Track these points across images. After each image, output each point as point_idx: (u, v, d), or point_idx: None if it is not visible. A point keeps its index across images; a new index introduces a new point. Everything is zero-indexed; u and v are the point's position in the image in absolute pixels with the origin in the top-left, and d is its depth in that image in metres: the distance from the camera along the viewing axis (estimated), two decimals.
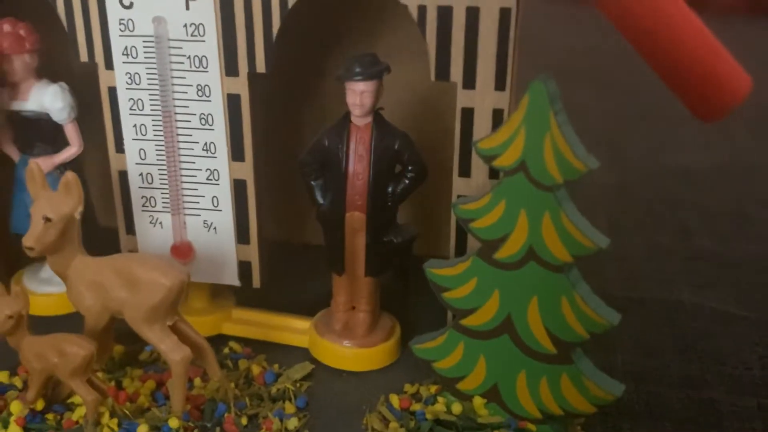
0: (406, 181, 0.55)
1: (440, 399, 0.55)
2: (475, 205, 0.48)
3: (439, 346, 0.53)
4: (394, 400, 0.56)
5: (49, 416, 0.53)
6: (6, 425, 0.53)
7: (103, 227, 0.66)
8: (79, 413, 0.53)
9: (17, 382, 0.57)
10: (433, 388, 0.56)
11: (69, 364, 0.50)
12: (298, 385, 0.57)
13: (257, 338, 0.61)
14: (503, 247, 0.48)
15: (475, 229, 0.49)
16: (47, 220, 0.50)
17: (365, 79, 0.53)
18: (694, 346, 0.64)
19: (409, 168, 0.55)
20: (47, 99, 0.59)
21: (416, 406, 0.55)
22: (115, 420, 0.52)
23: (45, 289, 0.65)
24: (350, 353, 0.59)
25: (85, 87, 0.59)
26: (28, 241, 0.50)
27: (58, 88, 0.59)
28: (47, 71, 0.60)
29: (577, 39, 0.43)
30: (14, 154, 0.63)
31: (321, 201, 0.57)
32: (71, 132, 0.61)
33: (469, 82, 0.51)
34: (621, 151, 0.99)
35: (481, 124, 0.51)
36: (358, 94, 0.53)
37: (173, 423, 0.51)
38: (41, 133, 0.61)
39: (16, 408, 0.53)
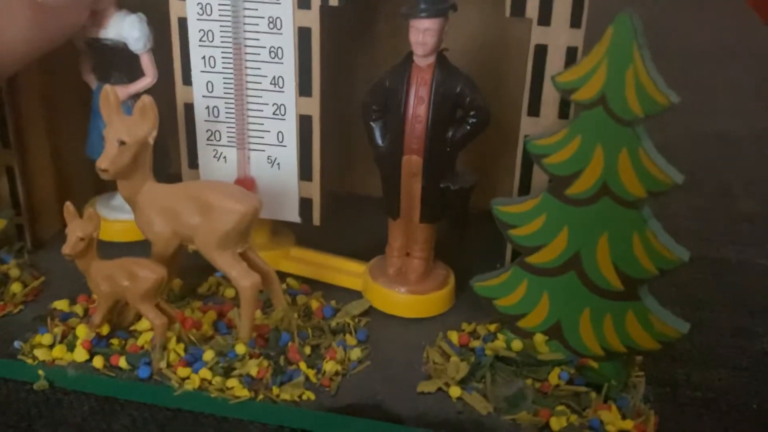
0: (468, 127, 0.55)
1: (500, 336, 0.55)
2: (550, 140, 0.49)
3: (501, 283, 0.54)
4: (453, 336, 0.57)
5: (114, 341, 0.54)
6: (72, 349, 0.53)
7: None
8: (144, 338, 0.54)
9: (78, 309, 0.58)
10: (493, 326, 0.57)
11: (140, 287, 0.51)
12: (356, 320, 0.58)
13: (314, 277, 0.62)
14: (576, 183, 0.48)
15: (548, 164, 0.49)
16: (122, 143, 0.50)
17: (430, 16, 0.52)
18: (743, 301, 0.65)
19: (471, 113, 0.55)
20: (125, 28, 0.60)
21: (475, 343, 0.56)
22: (182, 345, 0.53)
23: (116, 216, 0.66)
24: (402, 299, 0.59)
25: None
26: (102, 163, 0.50)
27: (136, 18, 0.60)
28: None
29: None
30: (92, 82, 0.64)
31: (380, 143, 0.57)
32: (146, 62, 0.61)
33: (545, 18, 0.51)
34: (657, 116, 0.98)
35: (554, 61, 0.52)
36: (422, 32, 0.52)
37: (240, 349, 0.52)
38: (118, 62, 0.62)
39: (81, 332, 0.54)
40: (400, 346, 0.56)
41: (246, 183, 0.59)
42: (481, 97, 0.54)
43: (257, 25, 0.55)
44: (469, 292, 0.56)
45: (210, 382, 0.51)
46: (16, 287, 0.60)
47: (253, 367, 0.51)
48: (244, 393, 0.50)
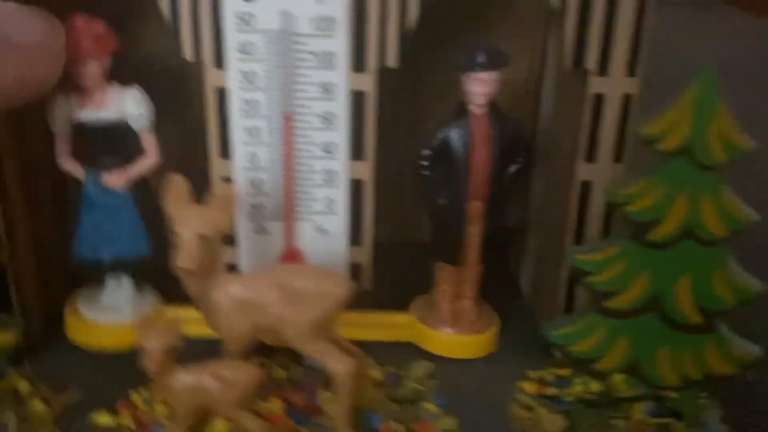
0: (520, 167, 0.57)
1: (576, 380, 0.57)
2: (633, 189, 0.51)
3: (577, 329, 0.55)
4: (527, 386, 0.57)
5: None
6: None
7: None
8: None
9: (126, 421, 0.52)
10: (562, 371, 0.58)
11: (236, 393, 0.46)
12: (423, 385, 0.57)
13: (361, 338, 0.60)
14: (658, 228, 0.51)
15: (631, 212, 0.51)
16: (202, 237, 0.45)
17: (491, 69, 0.53)
18: None
19: (522, 155, 0.57)
20: (128, 104, 0.55)
21: (551, 390, 0.56)
22: None
23: (106, 318, 0.59)
24: (466, 341, 0.60)
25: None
26: (185, 262, 0.45)
27: (138, 93, 0.55)
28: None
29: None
30: (78, 171, 0.57)
31: (438, 194, 0.57)
32: (148, 141, 0.56)
33: (603, 69, 0.53)
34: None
35: (612, 109, 0.54)
36: (484, 84, 0.54)
37: None
38: (110, 143, 0.55)
39: None
40: (478, 404, 0.55)
41: (293, 255, 0.57)
42: (529, 139, 0.59)
43: (308, 92, 0.52)
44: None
45: None
46: (38, 406, 0.53)
47: None
48: None
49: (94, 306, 0.60)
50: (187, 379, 0.47)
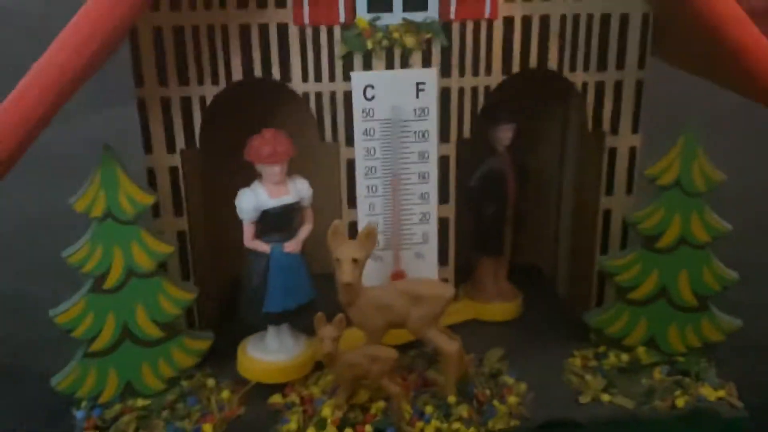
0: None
1: (610, 354, 0.76)
2: (643, 213, 0.71)
3: (609, 316, 0.74)
4: (575, 361, 0.76)
5: (351, 415, 0.68)
6: (324, 426, 0.67)
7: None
8: (376, 407, 0.68)
9: (294, 399, 0.69)
10: (601, 348, 0.77)
11: (383, 367, 0.66)
12: (499, 364, 0.76)
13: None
14: (662, 239, 0.71)
15: (642, 228, 0.71)
16: (355, 261, 0.66)
17: (513, 121, 0.78)
18: None
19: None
20: (303, 189, 0.68)
21: (593, 362, 0.76)
22: (408, 406, 0.68)
23: (267, 357, 0.71)
24: (509, 307, 0.84)
25: None
26: (346, 278, 0.65)
27: (305, 181, 0.69)
28: None
29: None
30: (263, 247, 0.68)
31: (484, 207, 0.81)
32: (309, 212, 0.70)
33: (615, 129, 0.73)
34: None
35: (622, 157, 0.74)
36: (507, 131, 0.78)
37: (451, 399, 0.68)
38: (288, 220, 0.68)
39: (328, 412, 0.67)
40: (540, 375, 0.73)
41: (399, 275, 0.76)
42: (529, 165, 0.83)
43: (409, 158, 0.72)
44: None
45: (439, 429, 0.67)
46: (226, 394, 0.70)
47: (464, 411, 0.68)
48: (470, 430, 0.67)
49: (260, 348, 0.72)
50: (347, 359, 0.66)
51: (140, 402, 0.69)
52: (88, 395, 0.68)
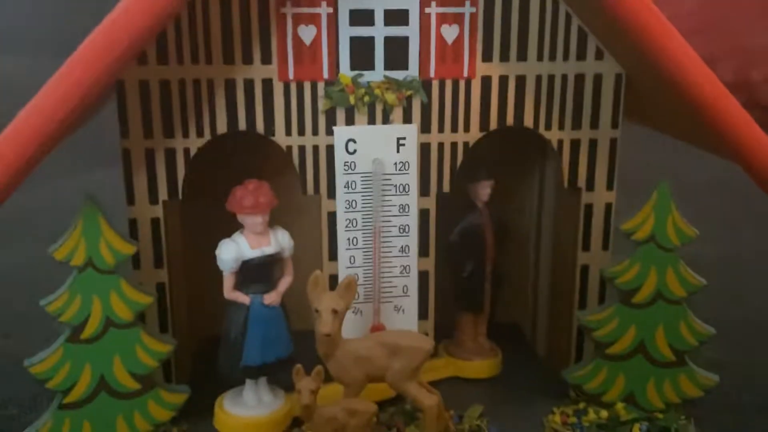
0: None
1: (590, 410, 0.76)
2: (619, 268, 0.72)
3: (588, 372, 0.75)
4: (555, 418, 0.76)
5: None
6: None
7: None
8: None
9: None
10: (581, 404, 0.77)
11: (361, 421, 0.65)
12: (480, 420, 0.76)
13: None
14: (639, 293, 0.72)
15: (619, 283, 0.72)
16: (335, 311, 0.66)
17: (491, 178, 0.79)
18: None
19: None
20: (284, 240, 0.69)
21: (572, 419, 0.76)
22: None
23: (245, 412, 0.71)
24: (489, 364, 0.83)
25: None
26: (325, 328, 0.65)
27: (286, 231, 0.70)
28: None
29: None
30: (243, 298, 0.68)
31: (465, 264, 0.81)
32: (289, 264, 0.70)
33: (590, 186, 0.75)
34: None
35: (598, 214, 0.76)
36: (486, 188, 0.80)
37: None
38: (268, 271, 0.69)
39: None
40: (521, 430, 0.73)
41: (379, 328, 0.76)
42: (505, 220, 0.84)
43: (390, 211, 0.73)
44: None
45: None
46: None
47: None
48: None
49: (237, 403, 0.72)
50: (324, 414, 0.65)
51: None
52: None
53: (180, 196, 0.71)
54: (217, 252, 0.68)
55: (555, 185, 0.82)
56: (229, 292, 0.69)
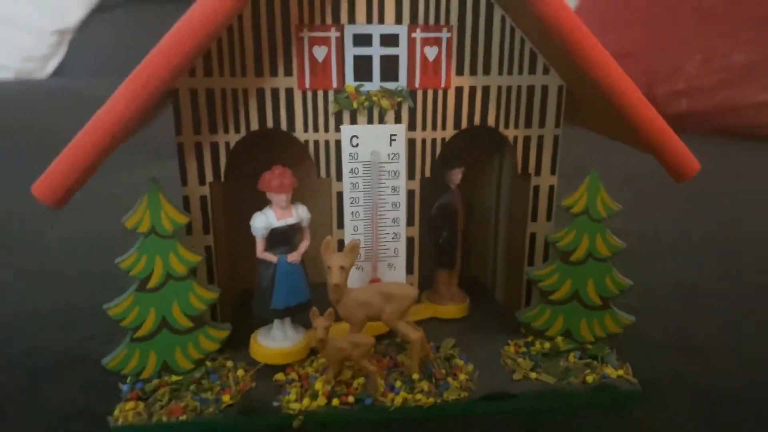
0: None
1: (536, 342, 0.75)
2: (560, 234, 0.71)
3: (535, 314, 0.74)
4: (509, 349, 0.75)
5: (337, 388, 0.66)
6: (315, 398, 0.65)
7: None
8: (358, 382, 0.67)
9: (293, 376, 0.68)
10: (529, 338, 0.77)
11: (363, 351, 0.65)
12: (452, 350, 0.75)
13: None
14: (574, 254, 0.71)
15: (560, 246, 0.72)
16: (342, 267, 0.65)
17: (462, 167, 0.78)
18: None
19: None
20: (303, 213, 0.68)
21: (522, 349, 0.75)
22: (382, 382, 0.67)
23: (274, 345, 0.70)
24: (460, 308, 0.82)
25: None
26: (335, 280, 0.64)
27: (305, 206, 0.69)
28: None
29: None
30: (271, 257, 0.68)
31: (444, 235, 0.80)
32: (306, 231, 0.69)
33: (538, 171, 0.74)
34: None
35: (544, 193, 0.75)
36: (458, 174, 0.78)
37: (414, 376, 0.67)
38: (291, 237, 0.68)
39: (320, 385, 0.65)
40: (483, 358, 0.73)
41: (375, 281, 0.75)
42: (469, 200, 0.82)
43: (384, 191, 0.72)
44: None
45: (406, 399, 0.66)
46: (240, 372, 0.69)
47: (425, 385, 0.67)
48: (429, 400, 0.66)
49: (268, 337, 0.71)
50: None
51: (173, 378, 0.67)
52: (132, 372, 0.66)
53: (222, 179, 0.69)
54: (251, 222, 0.68)
55: (510, 171, 0.81)
56: (261, 253, 0.69)
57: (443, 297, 0.83)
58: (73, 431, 0.62)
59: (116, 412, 0.63)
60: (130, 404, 0.63)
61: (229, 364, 0.70)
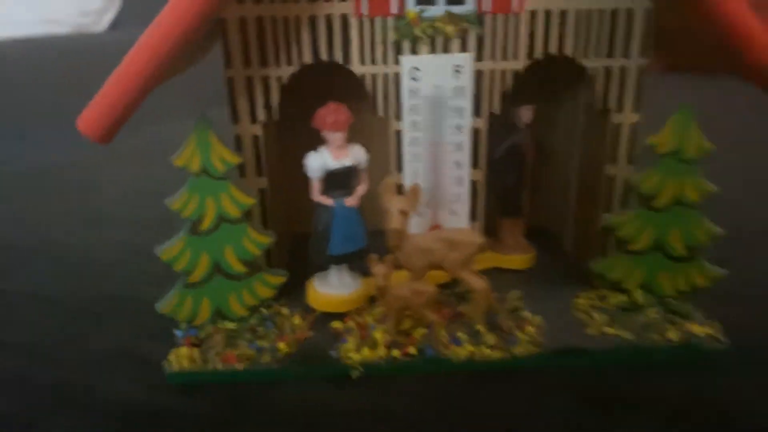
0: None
1: (611, 296, 0.69)
2: (643, 177, 0.64)
3: (611, 263, 0.67)
4: (581, 301, 0.69)
5: (397, 339, 0.63)
6: (375, 347, 0.61)
7: None
8: (418, 333, 0.63)
9: (351, 325, 0.65)
10: (603, 292, 0.70)
11: (424, 299, 0.60)
12: (518, 302, 0.70)
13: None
14: (658, 198, 0.64)
15: (642, 190, 0.64)
16: (403, 212, 0.60)
17: (533, 104, 0.72)
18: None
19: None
20: (360, 154, 0.63)
21: (596, 303, 0.69)
22: (444, 333, 0.62)
23: (331, 291, 0.67)
24: (525, 258, 0.77)
25: None
26: (396, 224, 0.59)
27: (362, 148, 0.64)
28: None
29: None
30: (328, 201, 0.64)
31: (507, 177, 0.75)
32: (363, 175, 0.65)
33: (620, 108, 0.66)
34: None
35: (625, 132, 0.67)
36: (529, 111, 0.72)
37: (480, 328, 0.63)
38: (348, 179, 0.64)
39: (379, 335, 0.62)
40: (553, 311, 0.67)
41: (436, 227, 0.70)
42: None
43: (447, 130, 0.66)
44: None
45: (472, 352, 0.61)
46: (297, 320, 0.66)
47: (491, 338, 0.63)
48: (495, 354, 0.61)
49: (325, 284, 0.67)
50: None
51: (228, 325, 0.65)
52: (185, 318, 0.64)
53: (275, 117, 0.65)
54: (306, 162, 0.63)
55: (586, 108, 0.73)
56: (317, 195, 0.64)
57: (508, 247, 0.77)
58: (128, 373, 0.61)
59: (171, 358, 0.61)
60: (185, 350, 0.61)
61: (285, 311, 0.67)
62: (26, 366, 0.63)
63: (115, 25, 3.01)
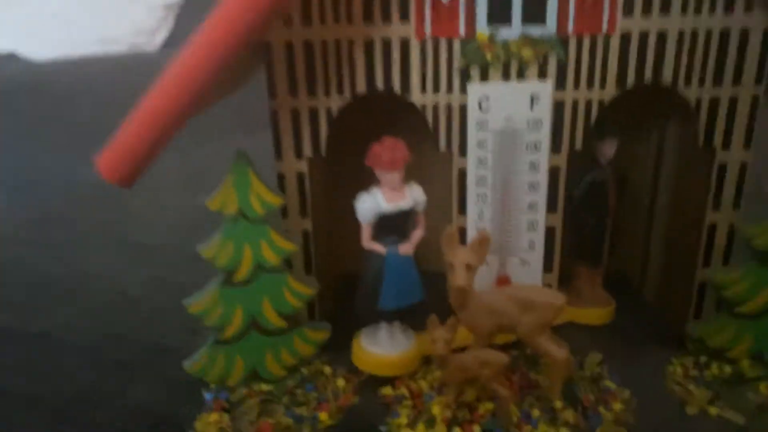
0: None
1: (713, 364, 0.59)
2: (761, 228, 0.53)
3: (714, 328, 0.57)
4: (676, 369, 0.59)
5: (458, 413, 0.54)
6: (432, 425, 0.52)
7: None
8: (484, 407, 0.54)
9: (403, 391, 0.57)
10: (700, 358, 0.60)
11: (493, 371, 0.51)
12: (599, 366, 0.60)
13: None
14: None
15: (759, 243, 0.54)
16: (468, 266, 0.51)
17: (616, 137, 0.62)
18: None
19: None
20: (417, 195, 0.55)
21: (693, 372, 0.59)
22: (516, 409, 0.53)
23: (380, 351, 0.58)
24: (605, 312, 0.67)
25: None
26: (461, 282, 0.51)
27: (420, 187, 0.56)
28: None
29: None
30: (379, 248, 0.55)
31: (587, 217, 0.64)
32: (421, 218, 0.56)
33: (726, 144, 0.56)
34: None
35: (733, 172, 0.56)
36: (611, 147, 0.62)
37: (557, 404, 0.53)
38: (402, 224, 0.55)
39: (437, 410, 0.53)
40: (642, 381, 0.57)
41: (504, 280, 0.61)
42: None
43: (521, 168, 0.57)
44: None
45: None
46: (340, 383, 0.58)
47: (570, 416, 0.53)
48: None
49: (373, 342, 0.59)
50: (457, 362, 0.53)
51: (263, 387, 0.57)
52: (216, 379, 0.56)
53: (323, 153, 0.57)
54: (356, 205, 0.55)
55: (679, 144, 0.63)
56: (367, 242, 0.56)
57: (585, 299, 0.67)
58: None
59: (198, 425, 0.53)
60: (214, 416, 0.54)
61: (328, 370, 0.59)
62: (50, 426, 0.56)
63: (167, 43, 3.05)
